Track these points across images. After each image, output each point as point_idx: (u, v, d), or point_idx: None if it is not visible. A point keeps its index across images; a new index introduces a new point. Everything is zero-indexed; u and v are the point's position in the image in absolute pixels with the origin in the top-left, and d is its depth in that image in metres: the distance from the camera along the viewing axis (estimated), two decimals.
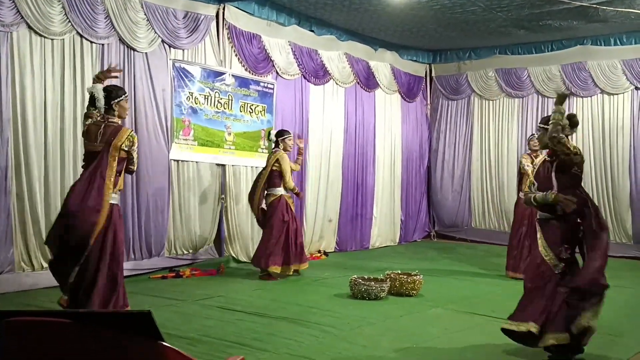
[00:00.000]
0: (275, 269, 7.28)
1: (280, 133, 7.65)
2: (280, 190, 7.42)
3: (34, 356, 1.40)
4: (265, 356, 4.28)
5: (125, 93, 5.17)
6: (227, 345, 4.52)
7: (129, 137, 4.92)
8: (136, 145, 5.03)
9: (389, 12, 9.02)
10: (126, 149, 4.90)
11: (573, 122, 4.54)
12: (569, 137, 4.51)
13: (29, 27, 6.21)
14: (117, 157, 4.86)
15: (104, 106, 4.93)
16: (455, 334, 5.08)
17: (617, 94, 10.15)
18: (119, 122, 5.06)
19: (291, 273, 7.40)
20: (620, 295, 7.00)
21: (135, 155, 5.03)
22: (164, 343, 1.44)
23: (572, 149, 4.36)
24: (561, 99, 4.47)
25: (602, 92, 10.25)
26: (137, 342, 1.41)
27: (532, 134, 8.13)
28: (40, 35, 6.31)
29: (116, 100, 4.96)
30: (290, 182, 7.45)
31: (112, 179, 4.85)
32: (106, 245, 4.85)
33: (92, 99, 4.99)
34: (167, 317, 5.33)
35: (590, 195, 10.23)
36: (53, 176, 6.50)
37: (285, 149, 7.52)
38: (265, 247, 7.32)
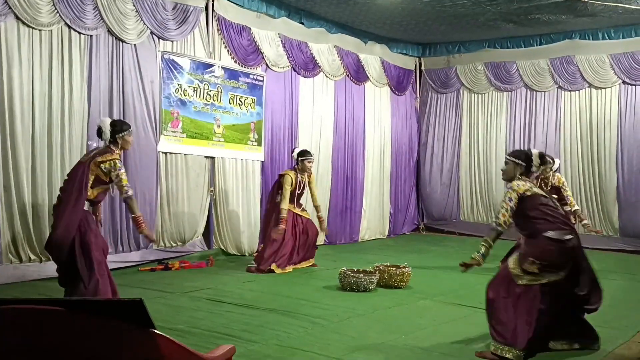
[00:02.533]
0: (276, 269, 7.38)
1: (302, 153, 7.63)
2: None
3: (27, 344, 1.40)
4: (254, 347, 4.30)
5: (130, 127, 5.52)
6: (216, 336, 4.53)
7: (111, 160, 5.23)
8: (118, 171, 5.21)
9: (379, 5, 9.03)
10: (104, 171, 5.21)
11: (544, 161, 4.72)
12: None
13: (17, 18, 6.15)
14: (95, 173, 5.21)
15: (109, 138, 5.33)
16: (443, 325, 5.12)
17: (604, 88, 10.22)
18: (118, 154, 5.35)
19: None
20: (607, 287, 6.99)
21: (121, 181, 5.22)
22: (156, 331, 1.45)
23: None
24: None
25: (590, 86, 10.33)
26: (129, 330, 1.42)
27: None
28: (28, 26, 6.26)
29: (120, 135, 5.34)
30: (285, 205, 7.36)
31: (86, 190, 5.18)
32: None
33: (100, 131, 5.37)
34: (156, 309, 5.32)
35: (578, 188, 10.49)
36: (40, 168, 6.46)
37: (303, 170, 7.53)
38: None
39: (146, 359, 1.39)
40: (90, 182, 5.21)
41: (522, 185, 4.46)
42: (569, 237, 4.33)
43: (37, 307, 1.42)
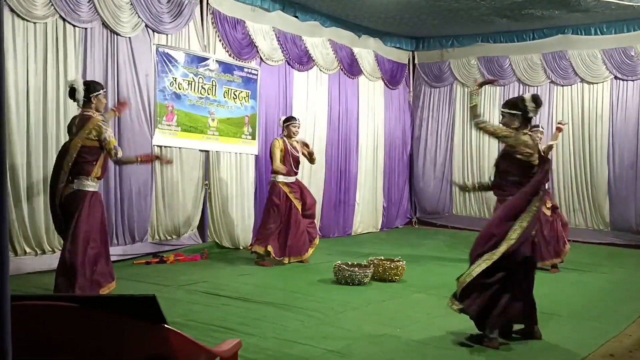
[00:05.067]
0: (259, 249, 7.35)
1: (287, 119, 7.70)
2: (276, 177, 7.53)
3: (40, 340, 1.43)
4: (251, 340, 4.33)
5: (104, 88, 5.48)
6: (213, 329, 4.56)
7: (95, 126, 5.14)
8: (106, 134, 5.17)
9: None
10: (95, 138, 5.15)
11: (538, 103, 4.52)
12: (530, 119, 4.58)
13: (12, 10, 6.12)
14: (78, 147, 5.12)
15: (82, 99, 5.21)
16: (437, 319, 5.17)
17: (596, 83, 10.29)
18: (94, 114, 5.24)
19: (287, 262, 7.42)
20: (597, 280, 7.17)
21: (110, 144, 5.18)
22: (167, 326, 1.49)
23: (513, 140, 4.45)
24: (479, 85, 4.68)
25: (582, 81, 10.39)
26: (142, 325, 1.45)
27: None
28: (23, 19, 6.24)
29: (95, 94, 5.25)
30: (277, 165, 7.46)
31: (69, 168, 5.15)
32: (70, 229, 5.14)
33: (72, 91, 5.24)
34: None
35: (569, 182, 10.59)
36: (35, 161, 6.45)
37: (289, 135, 7.56)
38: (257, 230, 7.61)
39: (158, 353, 1.43)
40: (73, 158, 5.14)
41: (526, 138, 4.42)
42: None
43: (52, 303, 1.45)
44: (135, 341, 1.45)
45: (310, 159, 7.83)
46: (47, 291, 5.53)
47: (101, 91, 5.34)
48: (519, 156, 4.42)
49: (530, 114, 4.49)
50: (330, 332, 4.65)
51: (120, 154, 5.26)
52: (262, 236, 7.41)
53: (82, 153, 5.15)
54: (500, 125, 4.60)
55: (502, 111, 4.65)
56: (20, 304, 1.39)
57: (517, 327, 4.63)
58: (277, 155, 7.46)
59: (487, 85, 11.30)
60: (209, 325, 4.66)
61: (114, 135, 6.04)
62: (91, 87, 5.27)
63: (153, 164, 7.59)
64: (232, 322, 4.80)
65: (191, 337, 1.57)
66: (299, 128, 7.68)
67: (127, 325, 1.44)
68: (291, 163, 7.53)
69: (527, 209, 4.33)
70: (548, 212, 7.31)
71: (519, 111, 4.50)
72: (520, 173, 4.44)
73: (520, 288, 4.42)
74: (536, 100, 4.52)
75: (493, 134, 4.54)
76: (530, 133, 4.56)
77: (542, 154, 4.60)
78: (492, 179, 4.71)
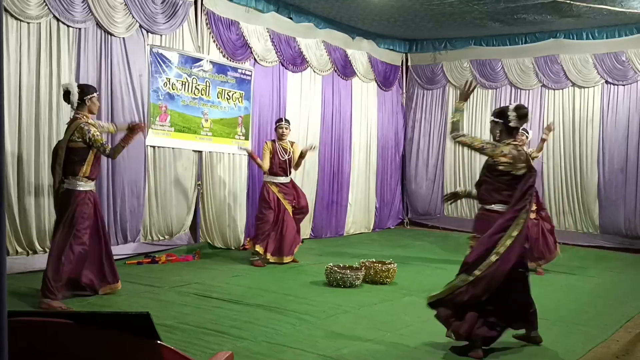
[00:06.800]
0: (259, 248, 7.48)
1: (276, 121, 8.01)
2: (265, 177, 7.72)
3: (33, 357, 1.45)
4: (243, 344, 4.36)
5: (97, 91, 5.67)
6: (204, 332, 4.58)
7: (78, 128, 5.32)
8: (89, 134, 5.30)
9: (368, 1, 9.07)
10: (79, 139, 5.31)
11: (520, 114, 4.47)
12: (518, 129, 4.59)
13: (5, 10, 6.11)
14: (64, 149, 5.33)
15: (77, 101, 5.38)
16: (428, 322, 5.18)
17: (587, 88, 10.36)
18: (85, 116, 5.41)
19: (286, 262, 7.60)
20: (586, 284, 7.24)
21: (97, 141, 5.33)
22: (161, 342, 1.52)
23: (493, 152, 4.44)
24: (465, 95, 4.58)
25: (574, 85, 10.46)
26: (135, 342, 1.47)
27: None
28: (17, 19, 6.22)
29: (89, 97, 5.44)
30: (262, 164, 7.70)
31: (61, 169, 5.34)
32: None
33: (67, 94, 5.43)
34: (144, 304, 5.38)
35: (559, 185, 10.65)
36: (27, 161, 6.44)
37: (278, 137, 7.79)
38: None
39: None
40: (62, 160, 5.33)
41: (505, 149, 4.39)
42: None
43: (44, 319, 1.47)
44: (128, 358, 1.48)
45: (295, 163, 7.76)
46: (39, 292, 5.55)
47: (95, 94, 5.54)
48: (500, 167, 4.43)
49: (512, 124, 4.45)
50: (322, 336, 4.68)
51: (109, 151, 5.41)
52: (258, 235, 7.55)
53: (69, 154, 5.35)
54: (477, 137, 4.64)
55: (490, 118, 4.69)
56: (13, 320, 1.41)
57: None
58: (266, 158, 7.62)
59: (478, 88, 11.40)
60: (200, 329, 4.68)
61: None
62: (85, 89, 5.47)
63: (146, 164, 7.61)
64: (224, 325, 4.82)
65: (185, 354, 1.60)
66: (285, 130, 7.74)
67: (121, 342, 1.47)
68: (278, 164, 7.61)
69: (514, 222, 4.34)
70: (532, 215, 7.46)
71: (501, 119, 4.51)
72: (505, 184, 4.44)
73: (509, 295, 4.44)
74: (519, 110, 4.46)
75: (470, 146, 4.54)
76: (515, 143, 4.49)
77: (530, 162, 4.56)
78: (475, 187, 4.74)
